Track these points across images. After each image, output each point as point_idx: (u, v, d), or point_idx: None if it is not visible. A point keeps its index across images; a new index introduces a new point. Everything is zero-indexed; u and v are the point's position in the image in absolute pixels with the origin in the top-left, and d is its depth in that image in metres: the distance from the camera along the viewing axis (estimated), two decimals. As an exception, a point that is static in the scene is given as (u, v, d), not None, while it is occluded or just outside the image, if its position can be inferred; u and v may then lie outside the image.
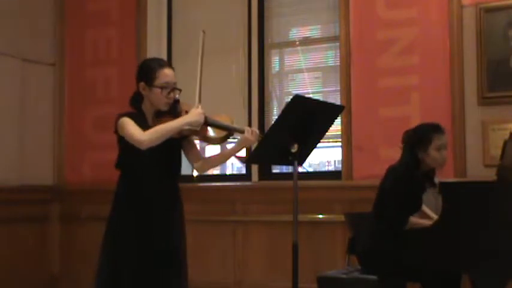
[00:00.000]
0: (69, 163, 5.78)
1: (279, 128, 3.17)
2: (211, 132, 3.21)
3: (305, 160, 3.33)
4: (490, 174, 3.65)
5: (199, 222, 5.22)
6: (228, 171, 5.91)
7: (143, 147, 3.01)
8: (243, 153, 5.10)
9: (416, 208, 3.66)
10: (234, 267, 5.07)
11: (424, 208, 3.80)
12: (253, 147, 3.32)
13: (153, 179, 3.15)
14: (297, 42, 5.28)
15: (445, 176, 4.21)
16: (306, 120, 3.14)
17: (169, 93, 3.14)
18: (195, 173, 5.75)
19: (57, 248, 5.74)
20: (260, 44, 5.30)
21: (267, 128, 5.08)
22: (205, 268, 5.16)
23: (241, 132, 3.19)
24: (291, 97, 3.19)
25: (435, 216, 3.45)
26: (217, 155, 3.41)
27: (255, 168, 5.20)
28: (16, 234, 5.38)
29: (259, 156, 3.41)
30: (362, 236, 3.84)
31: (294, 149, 3.13)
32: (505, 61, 4.30)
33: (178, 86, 3.20)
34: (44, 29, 5.82)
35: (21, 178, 5.48)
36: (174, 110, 3.17)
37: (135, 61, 5.17)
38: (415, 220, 3.51)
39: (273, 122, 3.90)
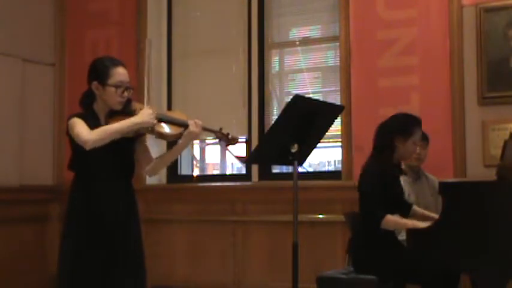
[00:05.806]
0: (69, 163, 5.77)
1: (279, 128, 3.17)
2: (167, 129, 3.16)
3: (305, 160, 3.34)
4: (490, 174, 3.65)
5: (199, 222, 5.23)
6: (228, 171, 5.90)
7: (87, 147, 2.96)
8: (243, 153, 5.11)
9: (396, 192, 3.66)
10: (234, 267, 5.07)
11: (420, 210, 3.80)
12: (252, 147, 3.32)
13: (106, 179, 3.12)
14: (297, 42, 5.28)
15: (445, 176, 4.22)
16: (306, 120, 3.14)
17: (123, 92, 3.11)
18: (193, 173, 5.76)
19: (57, 248, 5.71)
20: (260, 44, 5.29)
21: (267, 128, 5.08)
22: (205, 268, 5.17)
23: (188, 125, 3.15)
24: (291, 97, 3.20)
25: (436, 216, 3.45)
26: (167, 153, 3.37)
27: (255, 168, 5.19)
28: (16, 234, 5.38)
29: (259, 156, 3.41)
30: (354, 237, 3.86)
31: (294, 149, 3.13)
32: (505, 61, 4.29)
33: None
34: (44, 29, 5.82)
35: (21, 178, 5.48)
36: (127, 109, 3.13)
37: (135, 61, 5.17)
38: (410, 222, 3.51)
39: (273, 122, 3.89)
